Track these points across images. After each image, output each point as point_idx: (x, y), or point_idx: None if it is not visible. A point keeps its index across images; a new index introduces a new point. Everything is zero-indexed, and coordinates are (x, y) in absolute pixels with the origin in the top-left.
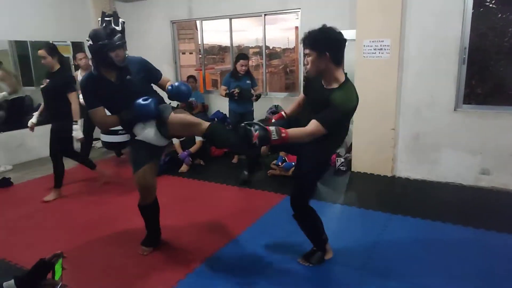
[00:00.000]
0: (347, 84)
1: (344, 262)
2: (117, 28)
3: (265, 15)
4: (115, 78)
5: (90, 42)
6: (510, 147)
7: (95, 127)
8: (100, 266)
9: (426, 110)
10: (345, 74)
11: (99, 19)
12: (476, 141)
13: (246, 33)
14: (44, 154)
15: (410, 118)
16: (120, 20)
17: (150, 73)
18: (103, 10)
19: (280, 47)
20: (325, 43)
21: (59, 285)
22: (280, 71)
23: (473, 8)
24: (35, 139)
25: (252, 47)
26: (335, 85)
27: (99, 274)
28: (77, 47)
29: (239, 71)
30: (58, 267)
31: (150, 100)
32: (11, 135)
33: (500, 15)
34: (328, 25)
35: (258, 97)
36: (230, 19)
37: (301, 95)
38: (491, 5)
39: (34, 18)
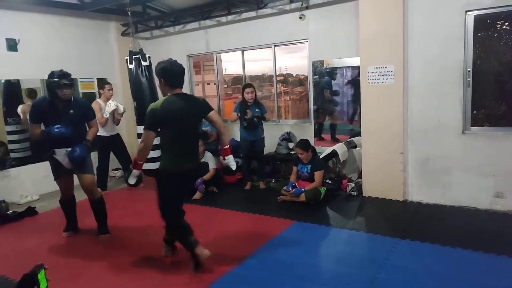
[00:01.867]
0: (160, 100)
1: (344, 286)
2: (144, 63)
3: (274, 46)
4: (61, 106)
5: (46, 77)
6: None
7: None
8: None
9: (434, 133)
10: (177, 94)
11: (126, 58)
12: (488, 164)
13: (270, 62)
14: None
15: (418, 141)
16: (147, 55)
17: (86, 114)
18: (130, 49)
19: (303, 75)
20: (159, 72)
21: None
22: (303, 98)
23: (474, 32)
24: None
25: (277, 75)
26: None
27: None
28: (102, 83)
29: (247, 100)
30: (41, 277)
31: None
32: (39, 167)
33: (504, 36)
34: (335, 53)
35: (258, 118)
36: (242, 51)
37: None
38: (493, 28)
39: (62, 58)
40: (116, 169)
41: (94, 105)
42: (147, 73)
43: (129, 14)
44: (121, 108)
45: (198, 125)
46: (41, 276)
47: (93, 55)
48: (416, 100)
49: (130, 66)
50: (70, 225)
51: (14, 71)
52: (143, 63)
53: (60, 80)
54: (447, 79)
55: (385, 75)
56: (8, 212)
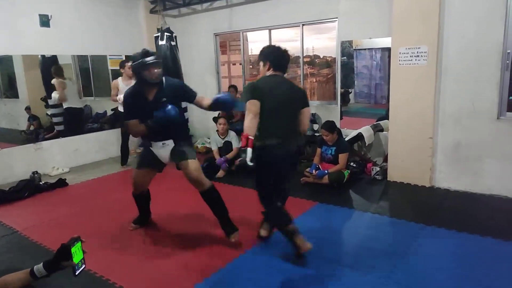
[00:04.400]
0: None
1: (366, 270)
2: (172, 43)
3: (303, 25)
4: (152, 96)
5: (131, 63)
6: None
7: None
8: (127, 265)
9: (467, 118)
10: (278, 75)
11: (157, 34)
12: None
13: (296, 43)
14: (98, 158)
15: (449, 126)
16: (166, 34)
17: (185, 95)
18: (158, 26)
19: (331, 56)
20: (265, 55)
21: (81, 268)
22: (329, 80)
23: None
24: (90, 145)
25: (304, 57)
26: None
27: (127, 273)
28: (122, 61)
29: None
30: (75, 250)
31: (170, 108)
32: (69, 141)
33: None
34: (365, 33)
35: None
36: (270, 30)
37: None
38: None
39: (92, 34)
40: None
41: (113, 83)
42: (175, 52)
43: None
44: None
45: (298, 110)
46: (75, 249)
47: (122, 32)
48: (449, 83)
49: (161, 43)
50: (141, 218)
51: (47, 46)
52: (172, 43)
53: (144, 59)
54: (484, 61)
55: (418, 56)
56: (41, 183)
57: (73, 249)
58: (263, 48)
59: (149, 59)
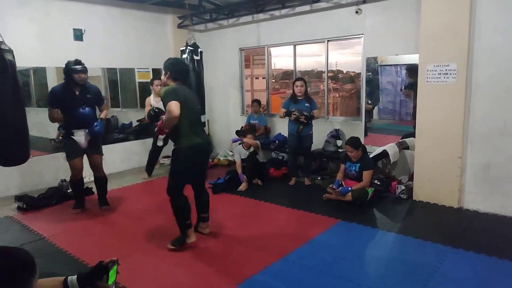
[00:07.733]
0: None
1: None
2: (196, 57)
3: (328, 41)
4: (78, 92)
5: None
6: None
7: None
8: (151, 274)
9: (498, 138)
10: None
11: (182, 48)
12: None
13: (319, 57)
14: (122, 168)
15: (479, 146)
16: (199, 50)
17: (98, 99)
18: (187, 40)
19: (354, 71)
20: (168, 66)
21: None
22: (352, 95)
23: None
24: (115, 155)
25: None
26: None
27: (149, 281)
28: (156, 73)
29: (297, 94)
30: (112, 273)
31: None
32: None
33: None
34: (391, 49)
35: (307, 118)
36: (294, 45)
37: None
38: None
39: (122, 48)
40: (167, 157)
41: (146, 101)
42: (196, 67)
43: (187, 7)
44: None
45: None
46: (112, 272)
47: (150, 46)
48: (479, 101)
49: (183, 56)
50: (79, 203)
51: (79, 59)
52: (195, 57)
53: (76, 66)
54: None
55: (446, 73)
56: (68, 191)
57: (110, 272)
58: (166, 60)
59: (79, 67)
